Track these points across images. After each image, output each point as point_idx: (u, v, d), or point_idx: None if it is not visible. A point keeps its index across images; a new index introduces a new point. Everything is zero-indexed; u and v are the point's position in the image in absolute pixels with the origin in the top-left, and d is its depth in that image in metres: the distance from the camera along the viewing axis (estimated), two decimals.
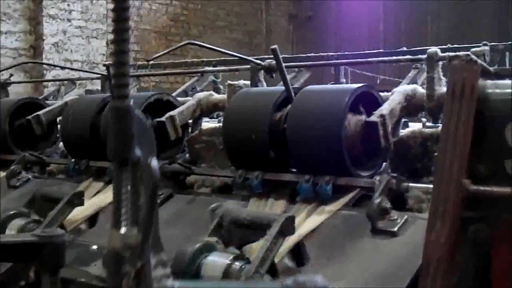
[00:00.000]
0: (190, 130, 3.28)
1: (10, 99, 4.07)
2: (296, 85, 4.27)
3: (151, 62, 3.66)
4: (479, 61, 1.41)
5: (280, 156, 2.56)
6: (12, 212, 2.78)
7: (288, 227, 2.08)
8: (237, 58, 3.29)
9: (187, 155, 3.17)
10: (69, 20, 10.56)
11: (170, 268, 1.26)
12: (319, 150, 2.39)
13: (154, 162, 1.12)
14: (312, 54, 6.55)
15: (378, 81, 6.94)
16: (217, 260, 2.04)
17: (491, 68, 1.53)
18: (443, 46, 3.39)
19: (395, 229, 2.11)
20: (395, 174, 2.36)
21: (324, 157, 2.39)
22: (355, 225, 2.23)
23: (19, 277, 2.60)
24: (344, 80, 5.60)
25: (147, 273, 1.30)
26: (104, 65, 3.32)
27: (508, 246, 1.35)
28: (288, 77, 4.34)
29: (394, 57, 2.84)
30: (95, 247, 2.62)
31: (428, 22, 12.08)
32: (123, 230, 1.21)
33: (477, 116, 1.39)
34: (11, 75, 4.62)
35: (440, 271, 1.36)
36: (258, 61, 3.00)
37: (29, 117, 3.69)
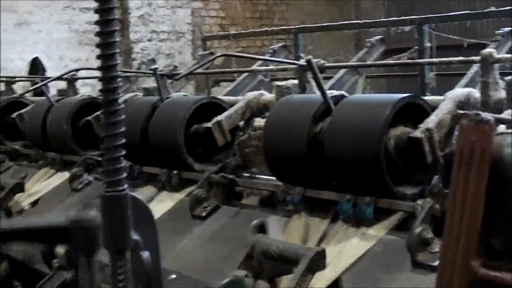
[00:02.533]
0: (241, 132, 3.17)
1: (72, 99, 4.12)
2: (369, 61, 4.08)
3: (178, 75, 3.53)
4: (494, 118, 1.20)
5: (321, 170, 2.41)
6: None
7: (317, 263, 1.95)
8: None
9: (238, 159, 3.07)
10: None
11: None
12: (358, 169, 2.22)
13: (146, 254, 1.06)
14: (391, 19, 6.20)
15: (465, 44, 6.49)
16: None
17: None
18: None
19: (436, 263, 1.92)
20: (446, 190, 2.15)
21: (363, 176, 2.22)
22: (394, 255, 2.07)
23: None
24: (428, 44, 5.26)
25: None
26: (150, 69, 3.26)
27: None
28: (362, 52, 4.15)
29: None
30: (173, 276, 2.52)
31: None
32: None
33: (492, 180, 1.19)
34: (77, 70, 4.67)
35: None
36: (304, 63, 2.82)
37: (90, 117, 3.72)
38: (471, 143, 1.18)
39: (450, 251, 1.19)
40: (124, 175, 1.02)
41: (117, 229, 1.01)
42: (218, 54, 3.16)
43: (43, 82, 4.29)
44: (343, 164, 2.26)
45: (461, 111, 1.87)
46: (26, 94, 4.86)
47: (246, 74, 3.91)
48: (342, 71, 3.66)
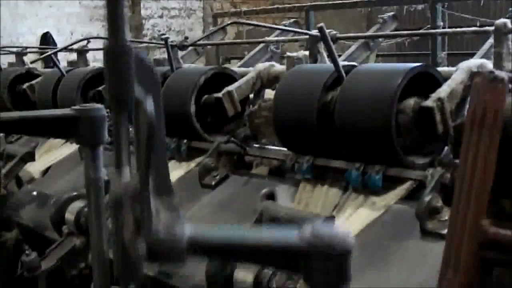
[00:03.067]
0: (251, 103, 3.16)
1: (82, 69, 4.12)
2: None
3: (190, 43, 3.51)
4: (508, 76, 1.19)
5: (331, 139, 2.40)
6: (72, 195, 2.82)
7: None
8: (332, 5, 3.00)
9: (248, 130, 3.07)
10: None
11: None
12: (368, 137, 2.21)
13: (150, 104, 1.04)
14: None
15: (478, 23, 6.43)
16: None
17: None
18: None
19: (445, 231, 1.92)
20: (456, 161, 2.14)
21: (373, 144, 2.22)
22: (403, 223, 2.07)
23: (78, 260, 2.66)
24: (441, 23, 5.21)
25: (147, 220, 1.23)
26: (161, 38, 3.25)
27: None
28: (374, 28, 4.11)
29: None
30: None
31: None
32: (124, 176, 1.16)
33: (503, 144, 1.19)
34: (88, 41, 4.66)
35: None
36: (316, 33, 2.80)
37: (100, 88, 3.72)
38: (484, 102, 1.17)
39: (460, 212, 1.19)
40: (127, 27, 1.00)
41: (120, 81, 0.98)
42: (230, 22, 3.14)
43: (54, 51, 4.29)
44: (353, 132, 2.26)
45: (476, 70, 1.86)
46: (37, 66, 4.86)
47: (257, 49, 3.89)
48: (354, 46, 3.63)
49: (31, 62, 4.67)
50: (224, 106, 2.95)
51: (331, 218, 1.96)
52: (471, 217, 1.17)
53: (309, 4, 7.64)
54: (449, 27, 5.60)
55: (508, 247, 1.17)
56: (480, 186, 1.17)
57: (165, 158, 1.55)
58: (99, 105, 1.67)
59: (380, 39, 4.07)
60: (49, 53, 4.23)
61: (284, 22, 4.67)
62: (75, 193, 2.84)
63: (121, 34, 0.95)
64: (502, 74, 1.18)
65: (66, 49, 4.23)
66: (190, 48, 4.22)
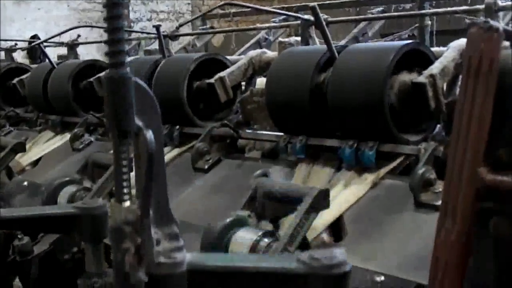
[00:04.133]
0: (243, 90, 3.17)
1: (73, 61, 4.11)
2: (370, 33, 4.09)
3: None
4: (502, 27, 1.20)
5: (324, 119, 2.42)
6: (64, 180, 2.81)
7: (320, 202, 1.96)
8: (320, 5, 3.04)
9: (240, 116, 3.08)
10: None
11: (182, 240, 1.20)
12: (361, 114, 2.22)
13: (150, 134, 1.05)
14: None
15: (467, 21, 6.48)
16: (245, 236, 1.96)
17: None
18: None
19: (439, 202, 1.93)
20: (448, 139, 2.16)
21: (366, 121, 2.23)
22: (397, 197, 2.08)
23: (70, 245, 2.65)
24: (429, 22, 5.24)
25: (148, 248, 1.24)
26: (153, 26, 3.26)
27: None
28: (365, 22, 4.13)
29: None
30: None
31: None
32: (124, 204, 1.17)
33: (499, 94, 1.20)
34: (79, 35, 4.66)
35: (448, 275, 1.20)
36: (307, 17, 2.82)
37: (91, 79, 3.72)
38: (480, 51, 1.18)
39: (457, 161, 1.20)
40: (127, 59, 1.02)
41: (121, 110, 1.00)
42: (222, 3, 3.15)
43: (44, 40, 4.28)
44: (346, 110, 2.27)
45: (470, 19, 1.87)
46: (27, 62, 4.85)
47: (248, 44, 3.89)
48: (343, 41, 3.66)
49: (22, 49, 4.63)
50: (216, 92, 2.95)
51: (325, 190, 1.96)
52: (468, 165, 1.18)
53: (297, 4, 7.68)
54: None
55: (505, 195, 1.18)
56: (477, 135, 1.18)
57: (165, 187, 1.56)
58: (100, 202, 1.69)
59: (369, 34, 4.12)
60: (38, 42, 4.22)
61: (273, 19, 4.69)
62: (67, 179, 2.83)
63: (121, 62, 0.97)
64: (497, 24, 1.20)
65: (56, 39, 4.21)
66: (179, 47, 4.25)
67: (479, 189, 1.18)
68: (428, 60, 2.31)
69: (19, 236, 2.61)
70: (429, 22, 4.72)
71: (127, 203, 1.15)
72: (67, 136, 3.68)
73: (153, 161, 1.01)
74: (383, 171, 2.20)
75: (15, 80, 4.49)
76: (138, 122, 1.02)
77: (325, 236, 2.05)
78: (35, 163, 3.67)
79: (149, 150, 1.00)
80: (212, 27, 5.85)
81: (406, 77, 2.26)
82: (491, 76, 1.18)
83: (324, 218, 2.06)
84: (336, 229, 2.07)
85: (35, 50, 4.93)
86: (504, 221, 1.21)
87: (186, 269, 1.26)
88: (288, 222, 1.94)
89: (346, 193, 2.16)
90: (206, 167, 2.72)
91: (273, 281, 1.21)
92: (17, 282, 2.78)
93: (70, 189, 2.75)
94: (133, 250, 1.16)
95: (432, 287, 1.23)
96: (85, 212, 1.73)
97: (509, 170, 1.20)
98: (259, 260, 1.29)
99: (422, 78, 2.18)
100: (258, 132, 2.83)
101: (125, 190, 1.16)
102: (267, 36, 3.67)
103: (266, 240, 1.93)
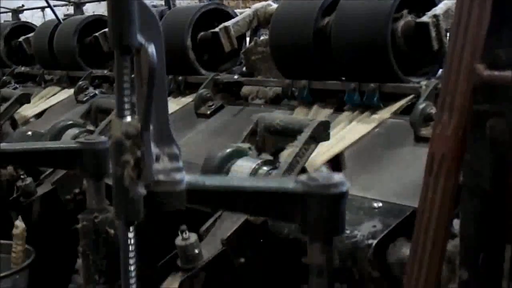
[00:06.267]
0: (248, 42, 3.18)
1: (79, 16, 4.12)
2: None
3: None
4: None
5: (328, 63, 2.42)
6: (67, 123, 2.83)
7: (320, 133, 1.97)
8: None
9: (244, 68, 3.09)
10: None
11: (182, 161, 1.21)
12: (365, 56, 2.23)
13: (151, 48, 1.07)
14: None
15: None
16: (245, 164, 1.98)
17: None
18: None
19: None
20: None
21: (369, 63, 2.23)
22: (398, 133, 2.08)
23: (72, 185, 2.67)
24: None
25: (148, 163, 1.25)
26: None
27: None
28: None
29: None
30: None
31: None
32: (125, 119, 1.18)
33: None
34: None
35: (444, 169, 1.21)
36: None
37: (97, 34, 3.73)
38: None
39: (455, 58, 1.20)
40: None
41: (123, 25, 1.00)
42: None
43: None
44: (350, 53, 2.27)
45: None
46: (33, 22, 4.86)
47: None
48: None
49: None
50: (220, 42, 2.96)
51: (326, 122, 1.97)
52: (465, 61, 1.19)
53: None
54: None
55: (502, 95, 1.19)
56: (476, 32, 1.19)
57: (166, 106, 1.57)
58: (102, 138, 1.71)
59: None
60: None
61: None
62: (70, 122, 2.85)
63: None
64: None
65: None
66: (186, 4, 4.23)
67: (476, 88, 1.19)
68: (433, 4, 2.31)
69: (22, 177, 2.63)
70: None
71: (128, 118, 1.16)
72: (72, 90, 3.69)
73: (154, 75, 1.01)
74: (385, 111, 2.21)
75: (21, 39, 4.50)
76: (141, 39, 1.03)
77: (324, 170, 2.06)
78: (40, 115, 3.69)
79: (151, 64, 1.01)
80: None
81: (409, 17, 2.26)
82: None
83: (324, 154, 2.08)
84: (336, 163, 2.08)
85: (42, 11, 4.93)
86: (500, 123, 1.22)
87: (185, 188, 1.27)
88: (288, 152, 1.95)
89: (348, 132, 2.17)
90: (208, 112, 2.74)
91: (271, 201, 1.22)
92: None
93: (73, 131, 2.76)
94: (132, 163, 1.17)
95: (427, 184, 1.25)
96: (87, 147, 1.76)
97: (508, 68, 1.20)
98: (258, 181, 1.31)
99: (425, 18, 2.19)
100: (261, 79, 2.84)
101: (126, 106, 1.16)
102: None
103: (265, 168, 1.95)
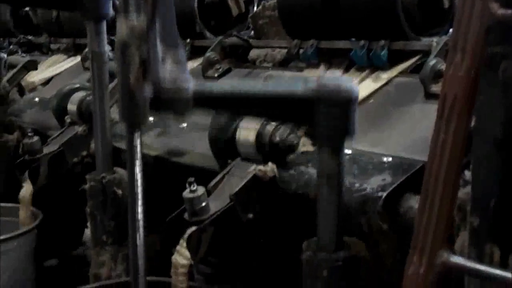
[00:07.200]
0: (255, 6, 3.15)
1: None
2: None
3: None
4: None
5: (336, 22, 2.39)
6: (74, 86, 2.82)
7: None
8: None
9: (252, 32, 3.06)
10: None
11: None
12: (374, 13, 2.20)
13: None
14: None
15: None
16: (252, 120, 1.96)
17: None
18: None
19: None
20: None
21: (379, 20, 2.20)
22: (408, 91, 2.06)
23: (80, 147, 2.66)
24: None
25: (154, 62, 1.23)
26: None
27: None
28: None
29: None
30: None
31: None
32: (131, 16, 1.16)
33: None
34: None
35: (456, 110, 1.19)
36: None
37: None
38: None
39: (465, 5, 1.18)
40: None
41: None
42: None
43: None
44: (359, 10, 2.24)
45: None
46: None
47: None
48: None
49: None
50: (228, 5, 2.93)
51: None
52: (479, 2, 1.16)
53: None
54: None
55: None
56: None
57: (172, 6, 1.54)
58: None
59: None
60: None
61: None
62: (77, 85, 2.84)
63: None
64: None
65: None
66: None
67: (490, 28, 1.16)
68: None
69: (29, 134, 2.63)
70: None
71: (133, 19, 1.15)
72: (79, 58, 3.67)
73: None
74: (394, 70, 2.18)
75: (27, 8, 4.48)
76: None
77: None
78: (46, 82, 3.68)
79: None
80: None
81: None
82: None
83: None
84: None
85: None
86: (511, 66, 1.20)
87: (192, 92, 1.25)
88: None
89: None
90: (216, 75, 2.72)
91: (280, 105, 1.20)
92: None
93: (80, 94, 2.75)
94: (138, 61, 1.16)
95: (438, 126, 1.23)
96: None
97: None
98: (266, 85, 1.29)
99: None
100: (269, 41, 2.82)
101: (132, 6, 1.15)
102: None
103: (274, 123, 1.93)
